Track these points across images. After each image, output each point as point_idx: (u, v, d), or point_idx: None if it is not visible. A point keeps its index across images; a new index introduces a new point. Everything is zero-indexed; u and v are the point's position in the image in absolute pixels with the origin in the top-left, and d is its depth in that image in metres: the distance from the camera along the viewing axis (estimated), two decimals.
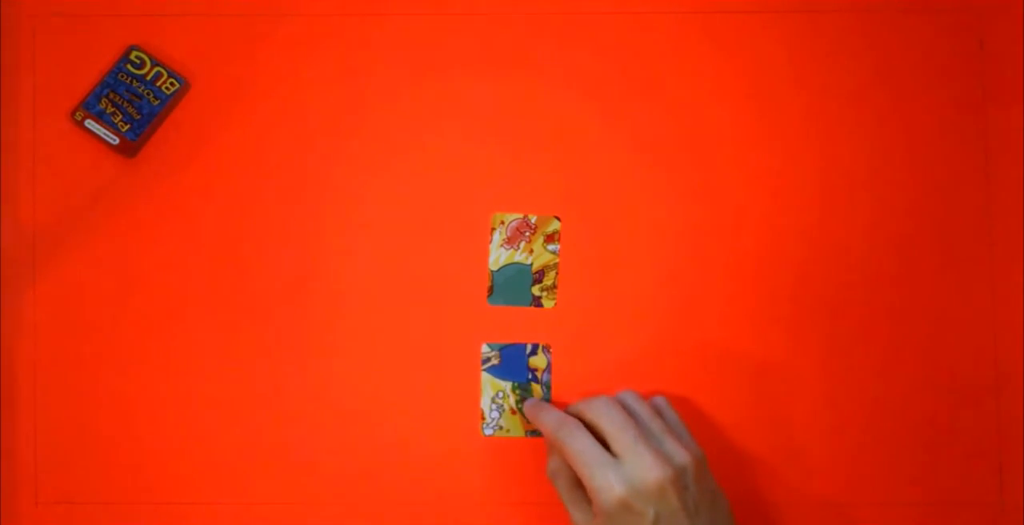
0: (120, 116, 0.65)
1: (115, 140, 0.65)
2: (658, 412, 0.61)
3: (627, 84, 0.66)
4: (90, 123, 0.65)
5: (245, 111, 0.66)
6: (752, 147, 0.66)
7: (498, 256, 0.65)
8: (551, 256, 0.65)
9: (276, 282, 0.66)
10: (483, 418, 0.64)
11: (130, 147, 0.65)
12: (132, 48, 0.65)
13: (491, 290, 0.65)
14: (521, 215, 0.65)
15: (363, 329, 0.66)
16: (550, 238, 0.65)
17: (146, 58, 0.65)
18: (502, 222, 0.65)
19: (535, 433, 0.64)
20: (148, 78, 0.65)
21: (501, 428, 0.64)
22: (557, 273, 0.65)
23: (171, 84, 0.65)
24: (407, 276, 0.66)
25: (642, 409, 0.60)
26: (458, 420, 0.65)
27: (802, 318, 0.66)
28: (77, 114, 0.65)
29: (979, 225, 0.66)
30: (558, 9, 0.67)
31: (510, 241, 0.65)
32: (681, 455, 0.57)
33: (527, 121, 0.66)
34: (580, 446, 0.57)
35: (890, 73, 0.66)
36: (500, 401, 0.64)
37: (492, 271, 0.65)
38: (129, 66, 0.65)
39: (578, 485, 0.59)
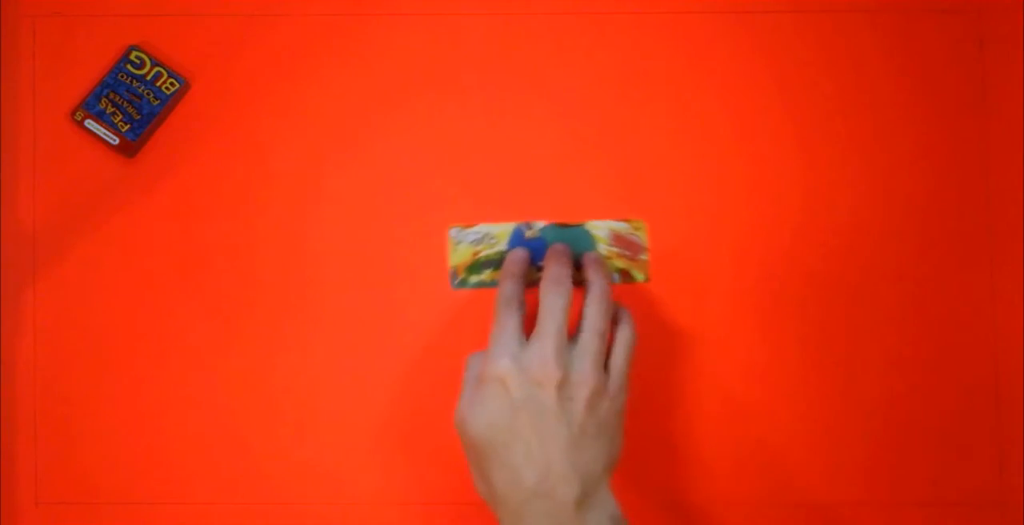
0: (120, 116, 0.65)
1: (115, 140, 0.65)
2: (605, 336, 0.58)
3: (627, 85, 0.66)
4: (90, 123, 0.65)
5: (245, 111, 0.66)
6: (751, 147, 0.66)
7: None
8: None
9: (276, 282, 0.66)
10: None
11: (130, 147, 0.65)
12: (132, 48, 0.65)
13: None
14: (625, 222, 0.65)
15: (364, 329, 0.66)
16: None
17: (146, 58, 0.65)
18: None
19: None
20: (148, 78, 0.65)
21: None
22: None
23: (171, 84, 0.65)
24: (407, 276, 0.66)
25: (594, 323, 0.58)
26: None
27: (801, 318, 0.66)
28: (77, 114, 0.65)
29: (979, 225, 0.66)
30: (556, 9, 0.67)
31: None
32: (586, 375, 0.56)
33: (527, 121, 0.66)
34: (502, 326, 0.58)
35: (890, 73, 0.66)
36: None
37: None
38: (129, 66, 0.65)
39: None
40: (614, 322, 0.60)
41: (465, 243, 0.65)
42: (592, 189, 0.66)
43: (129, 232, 0.66)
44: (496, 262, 0.65)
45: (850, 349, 0.66)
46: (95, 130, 0.65)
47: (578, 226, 0.65)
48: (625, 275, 0.65)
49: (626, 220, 0.65)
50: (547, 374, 0.55)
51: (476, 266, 0.65)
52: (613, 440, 0.57)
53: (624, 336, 0.59)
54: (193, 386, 0.65)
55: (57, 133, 0.66)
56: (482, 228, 0.66)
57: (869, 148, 0.66)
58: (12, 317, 0.65)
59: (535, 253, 0.65)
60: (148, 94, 0.65)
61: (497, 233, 0.65)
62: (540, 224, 0.65)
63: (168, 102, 0.65)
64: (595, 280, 0.60)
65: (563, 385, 0.55)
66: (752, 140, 0.66)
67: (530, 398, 0.55)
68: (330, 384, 0.65)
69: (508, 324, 0.58)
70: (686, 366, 0.65)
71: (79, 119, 0.65)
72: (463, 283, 0.65)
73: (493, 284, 0.65)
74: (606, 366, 0.58)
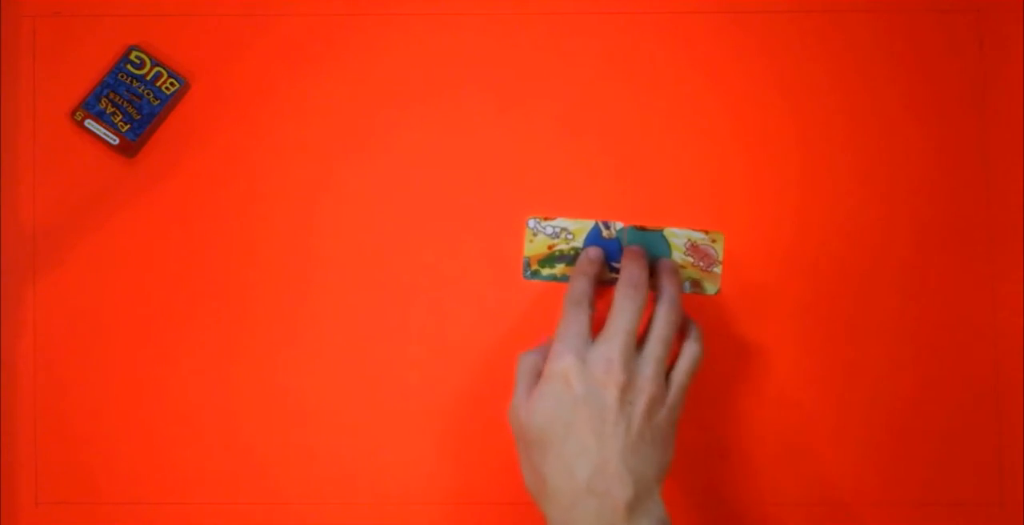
0: (120, 116, 0.65)
1: (115, 140, 0.65)
2: (671, 345, 0.59)
3: (628, 84, 0.66)
4: (90, 123, 0.65)
5: (245, 111, 0.66)
6: (750, 145, 0.66)
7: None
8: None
9: (277, 282, 0.66)
10: None
11: (130, 147, 0.65)
12: (132, 48, 0.65)
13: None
14: (704, 232, 0.65)
15: (365, 330, 0.66)
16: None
17: (146, 58, 0.65)
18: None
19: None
20: (148, 78, 0.65)
21: None
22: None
23: (171, 84, 0.65)
24: (408, 276, 0.66)
25: (661, 332, 0.58)
26: (457, 417, 0.65)
27: (802, 319, 0.66)
28: (77, 114, 0.65)
29: (979, 225, 0.66)
30: (554, 9, 0.67)
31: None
32: (648, 382, 0.56)
33: (528, 121, 0.66)
34: (570, 323, 0.58)
35: (890, 73, 0.66)
36: None
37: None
38: (129, 66, 0.65)
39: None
40: (682, 334, 0.61)
41: (542, 235, 0.65)
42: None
43: (129, 232, 0.66)
44: (570, 257, 0.65)
45: (850, 349, 0.66)
46: (95, 130, 0.65)
47: (656, 231, 0.65)
48: (696, 285, 0.65)
49: (704, 230, 0.65)
50: (611, 376, 0.55)
51: (550, 259, 0.65)
52: (666, 449, 0.57)
53: (691, 351, 0.60)
54: (193, 386, 0.65)
55: (57, 133, 0.66)
56: (560, 222, 0.66)
57: (868, 147, 0.66)
58: (12, 317, 0.65)
59: (610, 254, 0.65)
60: (148, 94, 0.65)
61: (575, 229, 0.65)
62: (618, 225, 0.65)
63: (168, 102, 0.65)
64: (667, 288, 0.60)
65: (626, 388, 0.55)
66: (750, 140, 0.66)
67: (592, 396, 0.55)
68: (332, 385, 0.65)
69: (576, 322, 0.58)
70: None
71: (79, 119, 0.65)
72: (535, 274, 0.65)
73: (564, 279, 0.65)
74: (668, 376, 0.58)
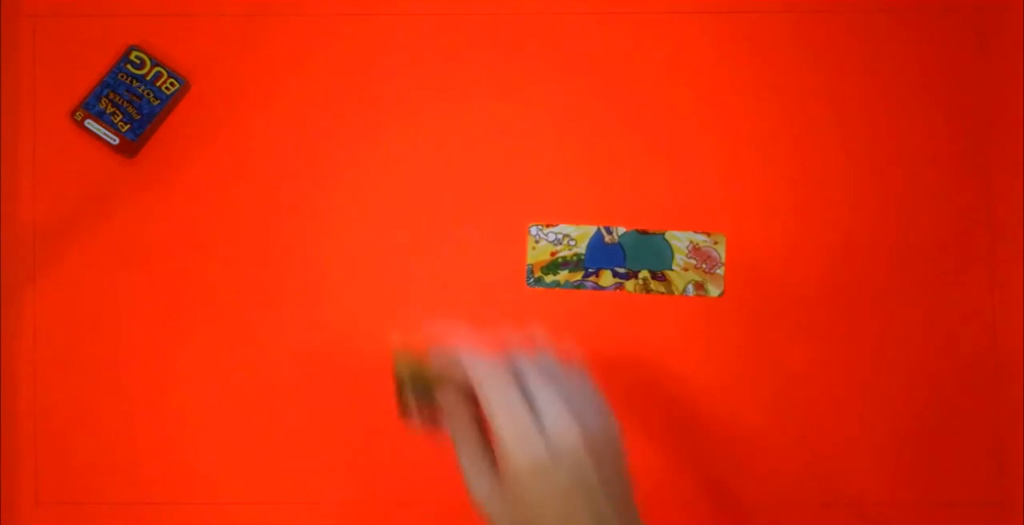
0: (120, 116, 0.65)
1: (115, 140, 0.65)
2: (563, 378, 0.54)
3: (628, 89, 0.66)
4: (90, 123, 0.65)
5: (245, 111, 0.66)
6: (749, 147, 0.66)
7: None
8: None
9: (277, 282, 0.66)
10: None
11: (130, 147, 0.65)
12: (132, 48, 0.65)
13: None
14: (705, 234, 0.65)
15: (366, 333, 0.66)
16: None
17: (146, 58, 0.65)
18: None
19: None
20: (148, 78, 0.65)
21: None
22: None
23: (171, 84, 0.65)
24: (411, 284, 0.66)
25: (547, 399, 0.52)
26: None
27: (804, 319, 0.66)
28: (77, 114, 0.65)
29: (979, 225, 0.66)
30: (551, 9, 0.67)
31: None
32: (597, 422, 0.52)
33: (528, 127, 0.66)
34: (509, 398, 0.51)
35: (890, 72, 0.66)
36: None
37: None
38: (129, 66, 0.65)
39: (485, 451, 0.54)
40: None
41: (545, 242, 0.65)
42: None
43: (129, 232, 0.66)
44: (573, 263, 0.65)
45: (851, 350, 0.66)
46: (95, 130, 0.65)
47: (658, 234, 0.65)
48: (699, 288, 0.65)
49: (706, 233, 0.65)
50: (578, 445, 0.51)
51: (553, 266, 0.65)
52: (627, 469, 0.54)
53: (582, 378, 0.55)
54: (193, 386, 0.65)
55: (57, 133, 0.66)
56: (562, 228, 0.66)
57: (868, 147, 0.66)
58: (12, 317, 0.65)
59: (612, 259, 0.65)
60: (148, 94, 0.65)
61: (577, 235, 0.65)
62: (620, 230, 0.65)
63: (168, 102, 0.65)
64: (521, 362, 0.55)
65: (591, 446, 0.52)
66: (749, 140, 0.66)
67: (575, 478, 0.51)
68: (332, 384, 0.65)
69: (515, 399, 0.52)
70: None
71: (79, 119, 0.65)
72: (539, 281, 0.65)
73: (567, 285, 0.65)
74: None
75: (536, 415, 0.52)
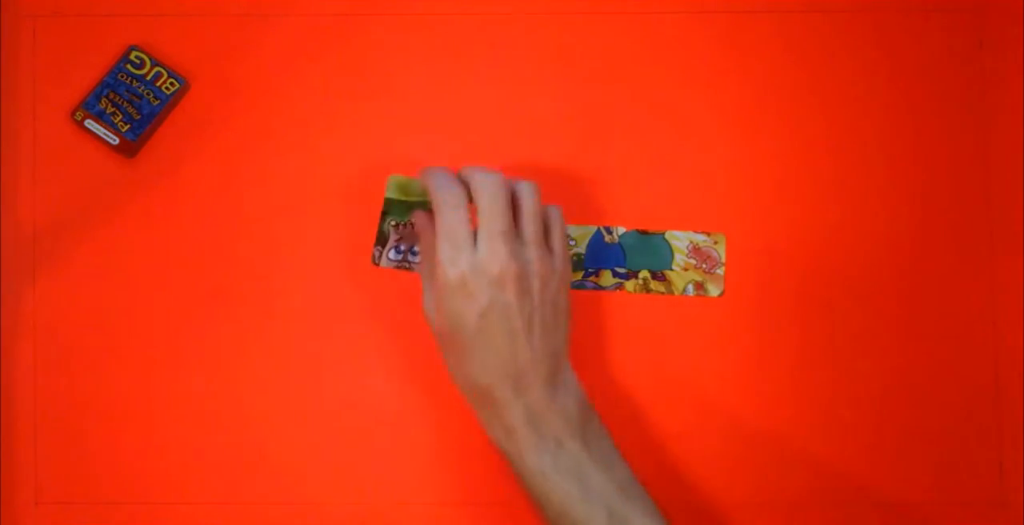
0: (120, 116, 0.65)
1: (115, 140, 0.65)
2: (545, 219, 0.60)
3: (627, 89, 0.67)
4: (90, 123, 0.65)
5: (245, 111, 0.66)
6: (749, 146, 0.66)
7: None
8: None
9: (277, 282, 0.66)
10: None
11: (130, 147, 0.65)
12: (132, 48, 0.65)
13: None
14: (705, 234, 0.65)
15: (367, 332, 0.66)
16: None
17: (146, 58, 0.65)
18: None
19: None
20: (148, 78, 0.65)
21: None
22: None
23: (171, 84, 0.65)
24: (408, 279, 0.66)
25: (530, 208, 0.59)
26: (457, 417, 0.65)
27: (803, 319, 0.66)
28: (77, 114, 0.65)
29: (979, 225, 0.66)
30: (552, 8, 0.67)
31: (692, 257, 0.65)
32: (537, 262, 0.58)
33: (527, 121, 0.66)
34: (448, 219, 0.58)
35: (890, 73, 0.66)
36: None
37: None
38: (129, 66, 0.65)
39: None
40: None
41: None
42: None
43: (129, 232, 0.66)
44: (573, 264, 0.65)
45: (850, 350, 0.66)
46: (95, 130, 0.65)
47: (658, 234, 0.65)
48: (699, 287, 0.65)
49: (706, 232, 0.65)
50: (505, 272, 0.57)
51: None
52: (567, 313, 0.60)
53: (555, 213, 0.61)
54: (193, 386, 0.65)
55: (57, 133, 0.66)
56: None
57: (868, 147, 0.66)
58: (12, 317, 0.65)
59: (612, 259, 0.65)
60: (148, 94, 0.65)
61: (577, 235, 0.65)
62: (620, 230, 0.65)
63: (168, 102, 0.65)
64: (517, 183, 0.60)
65: (521, 277, 0.57)
66: (749, 139, 0.66)
67: (494, 301, 0.57)
68: (332, 384, 0.65)
69: (456, 221, 0.58)
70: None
71: (79, 119, 0.65)
72: None
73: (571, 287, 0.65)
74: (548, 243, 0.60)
75: (484, 230, 0.57)
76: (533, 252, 0.58)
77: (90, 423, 0.65)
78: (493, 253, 0.57)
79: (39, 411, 0.65)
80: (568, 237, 0.60)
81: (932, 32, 0.67)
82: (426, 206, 0.62)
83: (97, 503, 0.65)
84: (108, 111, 0.65)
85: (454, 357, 0.59)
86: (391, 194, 0.63)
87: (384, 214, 0.64)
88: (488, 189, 0.58)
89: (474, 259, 0.57)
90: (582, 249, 0.65)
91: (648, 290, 0.65)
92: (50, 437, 0.65)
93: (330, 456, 0.65)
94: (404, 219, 0.64)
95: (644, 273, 0.65)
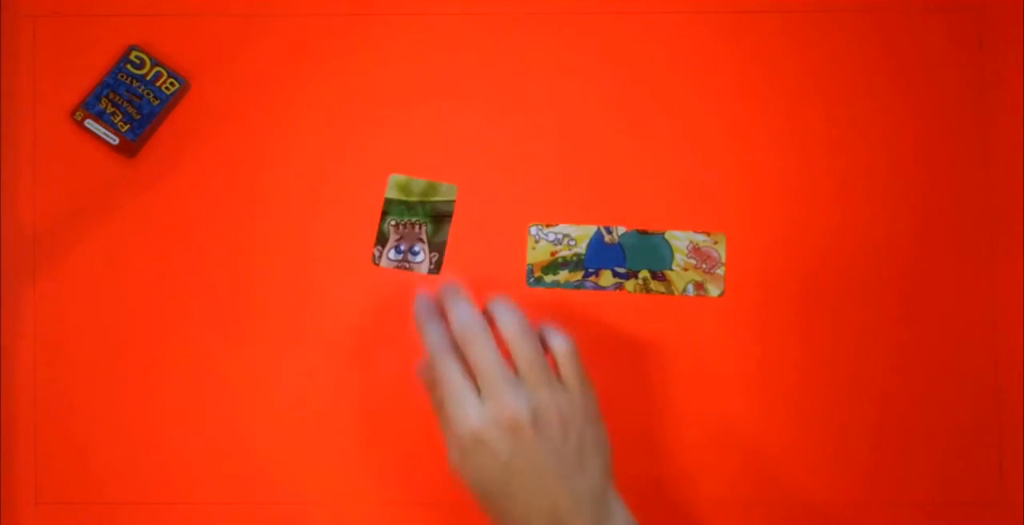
0: (120, 116, 0.65)
1: (115, 140, 0.65)
2: (554, 354, 0.58)
3: (627, 88, 0.66)
4: (90, 123, 0.65)
5: (245, 111, 0.66)
6: (749, 146, 0.66)
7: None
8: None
9: (277, 282, 0.66)
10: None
11: (130, 147, 0.65)
12: (132, 48, 0.65)
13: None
14: (705, 234, 0.65)
15: (366, 332, 0.66)
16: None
17: (146, 58, 0.65)
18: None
19: None
20: (148, 78, 0.65)
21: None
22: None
23: (171, 84, 0.65)
24: (409, 282, 0.66)
25: (523, 351, 0.56)
26: None
27: (803, 319, 0.66)
28: (77, 114, 0.65)
29: (979, 225, 0.66)
30: (556, 8, 0.67)
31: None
32: (549, 404, 0.55)
33: (528, 121, 0.66)
34: (446, 374, 0.56)
35: (890, 73, 0.66)
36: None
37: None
38: (129, 66, 0.65)
39: None
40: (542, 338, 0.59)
41: (545, 242, 0.65)
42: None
43: (129, 232, 0.66)
44: (573, 264, 0.65)
45: (850, 350, 0.66)
46: (95, 130, 0.65)
47: (657, 234, 0.65)
48: (699, 288, 0.65)
49: (706, 232, 0.65)
50: (517, 418, 0.55)
51: (553, 266, 0.65)
52: (598, 445, 0.57)
53: (561, 348, 0.58)
54: (193, 386, 0.65)
55: (57, 133, 0.66)
56: (562, 228, 0.66)
57: (868, 147, 0.66)
58: (12, 317, 0.65)
59: (612, 259, 0.65)
60: (148, 94, 0.65)
61: (577, 235, 0.65)
62: (620, 230, 0.65)
63: (168, 102, 0.65)
64: (498, 311, 0.58)
65: (535, 421, 0.55)
66: (749, 139, 0.66)
67: (515, 451, 0.55)
68: (332, 384, 0.65)
69: (454, 376, 0.56)
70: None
71: (79, 119, 0.65)
72: (539, 281, 0.65)
73: (567, 285, 0.65)
74: (561, 382, 0.57)
75: (483, 381, 0.55)
76: (542, 392, 0.56)
77: (90, 423, 0.65)
78: (499, 403, 0.55)
79: (39, 411, 0.65)
80: (582, 371, 0.58)
81: (932, 32, 0.67)
82: (425, 206, 0.62)
83: (97, 503, 0.65)
84: (108, 111, 0.65)
85: (494, 513, 0.57)
86: (391, 194, 0.63)
87: (384, 214, 0.64)
88: (470, 334, 0.56)
89: (482, 412, 0.55)
90: (582, 249, 0.65)
91: (648, 290, 0.65)
92: (50, 437, 0.65)
93: (330, 456, 0.65)
94: (404, 219, 0.64)
95: (644, 273, 0.65)
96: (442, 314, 0.59)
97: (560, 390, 0.57)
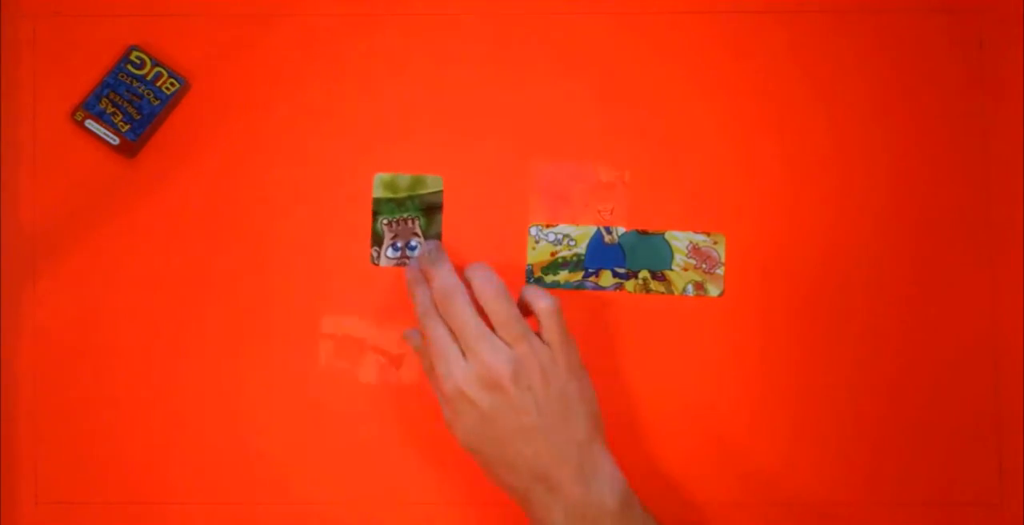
0: (120, 116, 0.65)
1: (115, 140, 0.65)
2: (537, 313, 0.60)
3: (627, 88, 0.66)
4: (90, 123, 0.65)
5: (245, 111, 0.66)
6: (749, 146, 0.66)
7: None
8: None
9: (277, 282, 0.66)
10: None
11: (130, 147, 0.65)
12: (132, 48, 0.65)
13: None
14: (705, 234, 0.65)
15: (366, 333, 0.66)
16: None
17: (146, 58, 0.65)
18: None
19: None
20: (148, 78, 0.65)
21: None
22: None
23: (171, 84, 0.65)
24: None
25: (498, 309, 0.58)
26: None
27: (803, 319, 0.66)
28: (77, 114, 0.65)
29: (979, 225, 0.66)
30: (553, 9, 0.67)
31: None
32: (530, 358, 0.57)
33: (528, 120, 0.66)
34: (434, 338, 0.59)
35: (890, 73, 0.66)
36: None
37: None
38: (129, 66, 0.65)
39: None
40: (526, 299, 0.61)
41: (545, 242, 0.65)
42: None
43: (129, 232, 0.66)
44: (573, 264, 0.65)
45: (850, 350, 0.66)
46: (95, 130, 0.65)
47: (657, 234, 0.65)
48: (699, 288, 0.65)
49: (706, 232, 0.65)
50: (498, 373, 0.57)
51: (553, 266, 0.65)
52: (583, 399, 0.59)
53: (545, 308, 0.59)
54: (194, 386, 0.65)
55: (57, 133, 0.66)
56: (562, 229, 0.66)
57: (868, 147, 0.66)
58: (12, 317, 0.65)
59: (612, 259, 0.65)
60: (148, 94, 0.65)
61: (577, 235, 0.65)
62: (620, 230, 0.65)
63: (168, 102, 0.65)
64: (474, 275, 0.60)
65: (516, 377, 0.57)
66: (749, 139, 0.66)
67: (495, 404, 0.57)
68: (332, 384, 0.65)
69: (439, 336, 0.59)
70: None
71: (79, 119, 0.65)
72: (539, 282, 0.65)
73: (568, 285, 0.65)
74: (542, 339, 0.59)
75: (463, 340, 0.58)
76: (521, 346, 0.58)
77: (90, 423, 0.65)
78: (480, 361, 0.57)
79: (39, 411, 0.65)
80: (566, 331, 0.60)
81: (932, 32, 0.67)
82: (414, 200, 0.62)
83: (97, 503, 0.65)
84: (108, 111, 0.65)
85: (485, 466, 0.59)
86: (378, 193, 0.64)
87: (375, 214, 0.64)
88: (449, 297, 0.59)
89: (465, 369, 0.57)
90: (582, 249, 0.65)
91: (648, 290, 0.65)
92: (50, 437, 0.65)
93: (330, 456, 0.65)
94: (396, 216, 0.64)
95: (644, 273, 0.65)
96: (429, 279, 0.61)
97: (540, 345, 0.59)
